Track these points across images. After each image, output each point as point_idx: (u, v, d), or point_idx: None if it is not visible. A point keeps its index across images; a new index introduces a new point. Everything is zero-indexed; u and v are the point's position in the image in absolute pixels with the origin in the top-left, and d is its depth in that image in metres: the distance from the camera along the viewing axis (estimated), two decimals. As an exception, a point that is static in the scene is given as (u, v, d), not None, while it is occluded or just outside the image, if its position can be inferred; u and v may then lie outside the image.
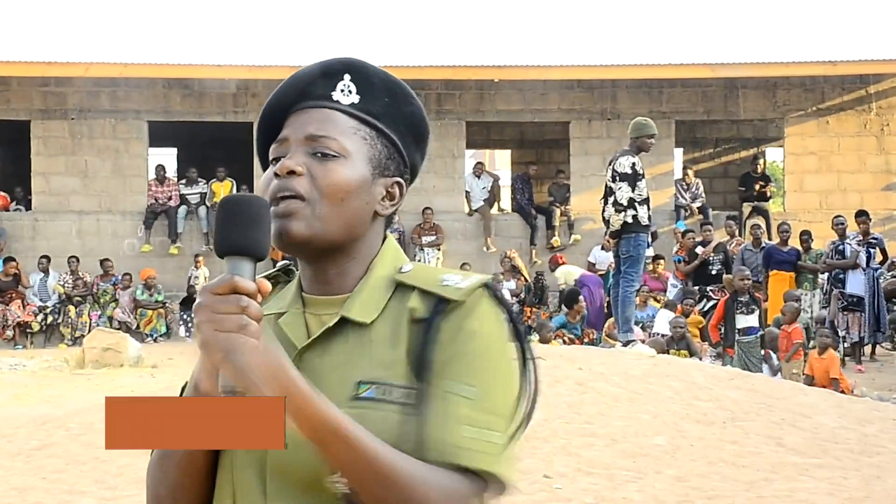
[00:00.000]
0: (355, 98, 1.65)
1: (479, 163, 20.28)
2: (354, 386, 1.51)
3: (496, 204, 20.02)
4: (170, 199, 18.96)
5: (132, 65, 18.90)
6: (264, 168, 1.67)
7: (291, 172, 1.58)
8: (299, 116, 1.63)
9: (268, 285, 1.43)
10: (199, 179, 19.22)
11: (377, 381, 1.51)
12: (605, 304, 14.73)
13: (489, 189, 19.29)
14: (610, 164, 9.67)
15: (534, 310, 16.87)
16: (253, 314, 1.39)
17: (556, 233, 18.78)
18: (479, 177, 19.40)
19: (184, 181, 19.44)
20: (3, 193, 19.47)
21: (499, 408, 1.51)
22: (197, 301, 1.41)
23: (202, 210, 18.83)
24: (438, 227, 18.28)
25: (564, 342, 13.41)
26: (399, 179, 1.66)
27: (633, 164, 9.63)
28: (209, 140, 20.74)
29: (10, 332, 17.49)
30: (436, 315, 1.54)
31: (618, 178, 9.41)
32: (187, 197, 19.03)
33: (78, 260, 17.96)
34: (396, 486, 1.43)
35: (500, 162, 28.59)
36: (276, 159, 1.62)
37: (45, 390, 11.85)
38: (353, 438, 1.41)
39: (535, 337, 14.60)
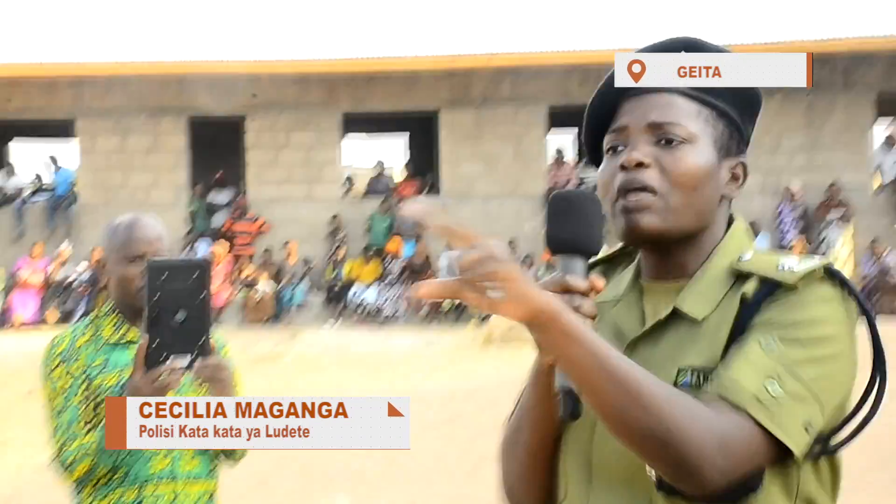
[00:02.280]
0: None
1: (890, 136, 19.12)
2: (675, 374, 1.48)
3: (909, 178, 18.82)
4: (568, 182, 19.33)
5: (532, 54, 19.42)
6: (591, 157, 1.64)
7: (640, 164, 1.52)
8: (636, 102, 1.57)
9: (600, 283, 1.42)
10: (597, 163, 19.50)
11: (695, 368, 1.47)
12: None
13: (902, 162, 18.16)
14: None
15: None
16: (586, 313, 1.39)
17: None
18: (891, 149, 18.29)
19: (581, 164, 19.76)
20: (413, 181, 20.63)
21: (805, 378, 1.42)
22: None
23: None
24: (845, 203, 17.42)
25: None
26: (742, 160, 1.59)
27: None
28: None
29: (424, 311, 18.52)
30: (764, 297, 1.47)
31: None
32: (585, 180, 19.34)
33: (483, 242, 18.68)
34: (671, 435, 1.35)
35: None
36: (613, 148, 1.57)
37: (457, 366, 12.55)
38: (622, 379, 1.35)
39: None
